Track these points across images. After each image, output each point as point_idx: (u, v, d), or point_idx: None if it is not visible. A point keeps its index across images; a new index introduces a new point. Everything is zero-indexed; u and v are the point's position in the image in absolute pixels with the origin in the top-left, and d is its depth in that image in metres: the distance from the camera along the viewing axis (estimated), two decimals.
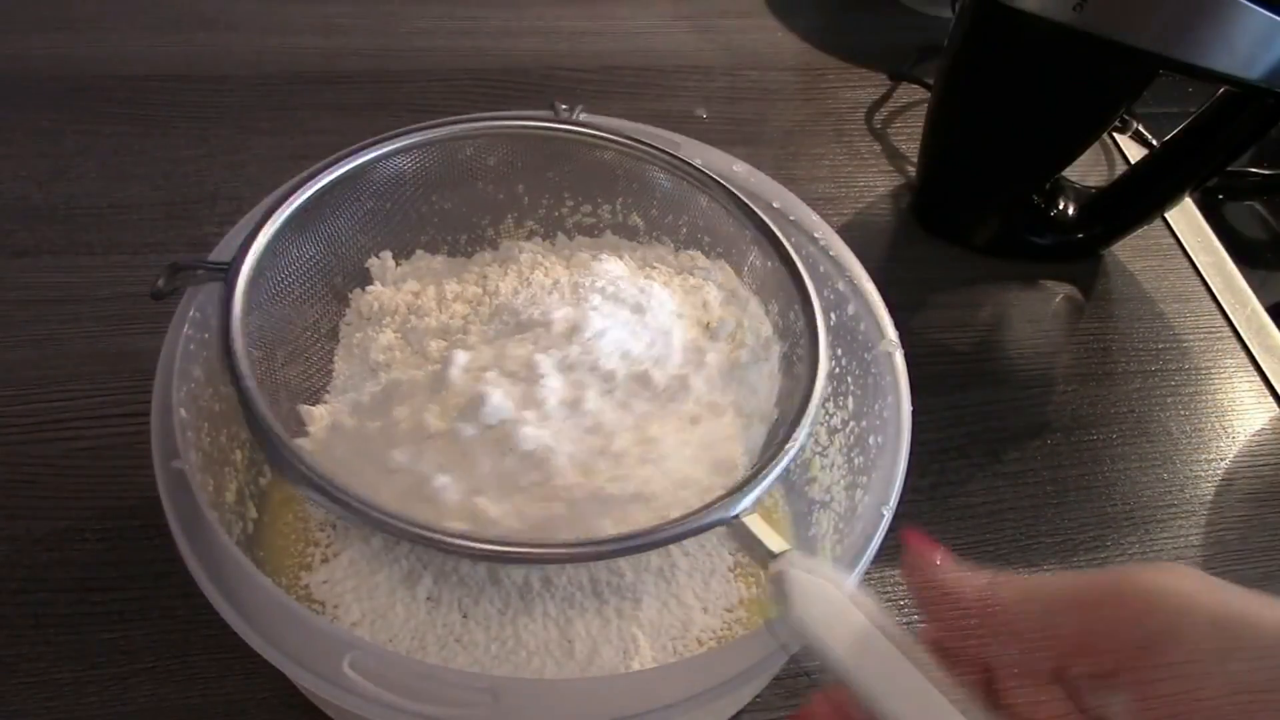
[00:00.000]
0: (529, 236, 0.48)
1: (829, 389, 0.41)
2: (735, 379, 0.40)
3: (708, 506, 0.32)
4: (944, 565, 0.27)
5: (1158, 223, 0.66)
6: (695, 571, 0.42)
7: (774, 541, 0.31)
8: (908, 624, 0.46)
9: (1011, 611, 0.25)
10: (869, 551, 0.34)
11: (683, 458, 0.36)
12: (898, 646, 0.26)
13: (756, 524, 0.31)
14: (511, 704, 0.28)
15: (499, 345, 0.38)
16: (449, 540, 0.31)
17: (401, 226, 0.44)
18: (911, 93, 0.73)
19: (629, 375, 0.37)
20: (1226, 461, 0.55)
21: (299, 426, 0.39)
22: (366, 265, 0.44)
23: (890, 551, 0.48)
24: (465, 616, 0.39)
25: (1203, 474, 0.54)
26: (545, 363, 0.36)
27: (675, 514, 0.33)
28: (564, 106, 0.43)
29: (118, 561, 0.43)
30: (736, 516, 0.32)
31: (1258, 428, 0.57)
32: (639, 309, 0.39)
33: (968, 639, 0.26)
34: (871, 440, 0.39)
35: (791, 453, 0.34)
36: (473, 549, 0.31)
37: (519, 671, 0.38)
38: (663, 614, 0.40)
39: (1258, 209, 0.79)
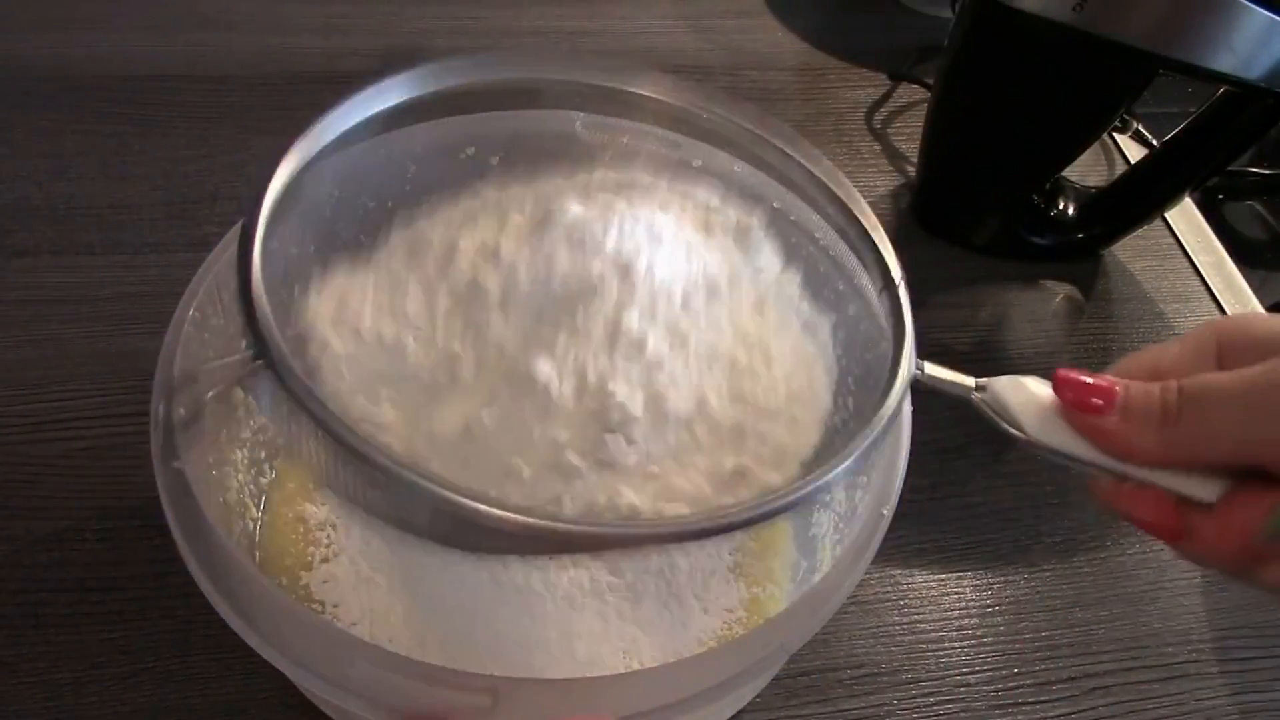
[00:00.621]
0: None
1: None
2: (752, 249, 0.38)
3: (890, 383, 0.32)
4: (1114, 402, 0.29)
5: (1158, 223, 0.66)
6: (695, 571, 0.42)
7: (963, 377, 0.32)
8: (908, 623, 0.46)
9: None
10: (869, 552, 0.34)
11: (787, 340, 0.35)
12: None
13: (937, 369, 0.33)
14: (511, 704, 0.28)
15: (567, 338, 0.32)
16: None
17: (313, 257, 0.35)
18: (911, 93, 0.73)
19: (699, 291, 0.34)
20: None
21: None
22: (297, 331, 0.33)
23: (890, 551, 0.49)
24: (465, 616, 0.39)
25: None
26: (631, 327, 0.32)
27: (828, 398, 0.33)
28: None
29: (118, 561, 0.43)
30: (921, 371, 0.33)
31: None
32: (653, 231, 0.35)
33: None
34: None
35: (903, 292, 0.35)
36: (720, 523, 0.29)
37: (519, 671, 0.38)
38: (663, 614, 0.40)
39: (1258, 209, 0.79)
